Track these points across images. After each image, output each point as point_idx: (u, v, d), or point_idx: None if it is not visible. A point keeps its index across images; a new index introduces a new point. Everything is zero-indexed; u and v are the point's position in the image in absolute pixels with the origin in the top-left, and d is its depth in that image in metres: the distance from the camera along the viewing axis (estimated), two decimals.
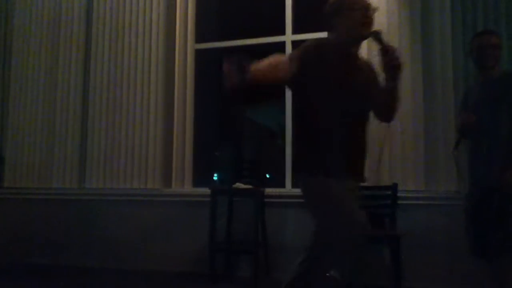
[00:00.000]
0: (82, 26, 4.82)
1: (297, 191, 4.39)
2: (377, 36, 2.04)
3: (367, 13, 2.07)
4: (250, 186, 4.03)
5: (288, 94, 4.35)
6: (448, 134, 3.69)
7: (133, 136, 4.54)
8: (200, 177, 4.72)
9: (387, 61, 2.00)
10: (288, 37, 4.43)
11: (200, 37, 4.74)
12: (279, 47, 4.43)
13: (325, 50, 2.07)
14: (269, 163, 6.48)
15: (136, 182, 4.48)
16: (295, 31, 4.43)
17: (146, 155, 4.49)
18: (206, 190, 4.14)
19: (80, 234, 4.56)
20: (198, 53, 4.72)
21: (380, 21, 3.88)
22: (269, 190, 4.12)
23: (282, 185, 4.29)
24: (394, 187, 3.67)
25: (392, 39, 3.83)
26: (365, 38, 2.14)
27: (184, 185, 4.51)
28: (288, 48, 4.39)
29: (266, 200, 4.05)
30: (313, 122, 2.04)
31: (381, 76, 2.11)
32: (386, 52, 2.00)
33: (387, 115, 2.21)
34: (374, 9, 2.09)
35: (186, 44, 4.61)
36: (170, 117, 4.52)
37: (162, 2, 4.59)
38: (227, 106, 6.33)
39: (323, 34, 4.62)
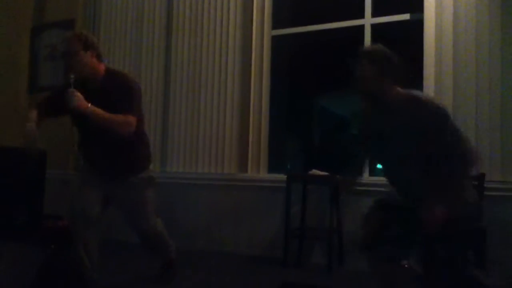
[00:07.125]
0: (163, 19, 5.00)
1: (374, 179, 4.30)
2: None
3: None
4: (326, 173, 4.00)
5: None
6: None
7: (211, 123, 4.69)
8: (274, 163, 4.75)
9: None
10: (368, 20, 4.28)
11: (276, 23, 4.74)
12: (358, 31, 4.31)
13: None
14: (345, 152, 6.38)
15: (214, 168, 4.63)
16: (375, 14, 4.28)
17: (223, 142, 4.62)
18: (281, 176, 4.16)
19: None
20: (275, 40, 4.72)
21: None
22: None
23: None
24: (481, 177, 3.47)
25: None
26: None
27: (259, 171, 4.57)
28: (367, 32, 4.26)
29: None
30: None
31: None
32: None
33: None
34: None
35: (263, 30, 4.63)
36: (246, 104, 4.58)
37: None
38: (301, 93, 6.30)
39: (405, 16, 4.43)
